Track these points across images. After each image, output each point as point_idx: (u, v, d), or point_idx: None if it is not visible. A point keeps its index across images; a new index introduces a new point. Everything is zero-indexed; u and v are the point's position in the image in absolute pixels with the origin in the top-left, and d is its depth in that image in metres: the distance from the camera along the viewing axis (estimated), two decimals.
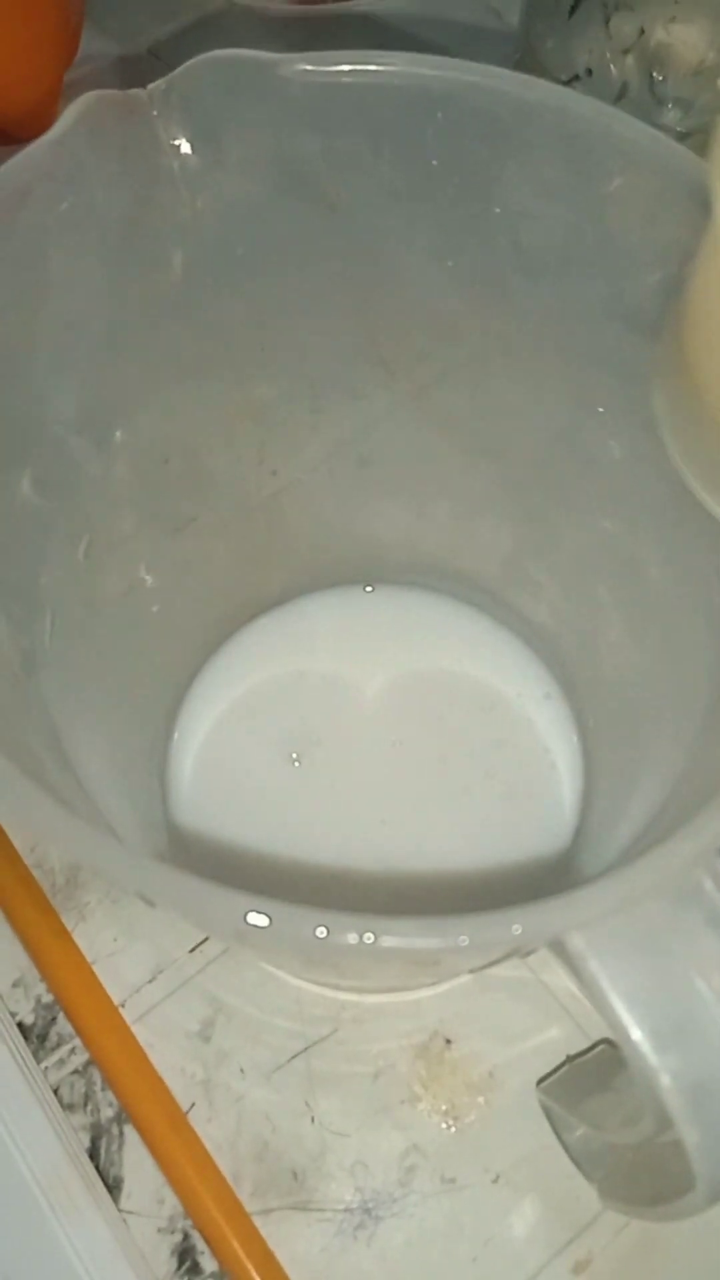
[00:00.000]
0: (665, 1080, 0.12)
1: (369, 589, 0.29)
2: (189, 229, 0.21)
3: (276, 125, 0.20)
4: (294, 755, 0.27)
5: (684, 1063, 0.12)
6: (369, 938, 0.12)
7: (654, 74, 0.31)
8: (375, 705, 0.28)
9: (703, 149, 0.18)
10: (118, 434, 0.23)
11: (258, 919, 0.12)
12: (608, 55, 0.31)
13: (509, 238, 0.21)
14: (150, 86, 0.19)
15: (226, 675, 0.28)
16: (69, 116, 0.19)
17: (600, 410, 0.22)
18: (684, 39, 0.30)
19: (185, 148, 0.20)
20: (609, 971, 0.12)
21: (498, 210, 0.21)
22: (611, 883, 0.12)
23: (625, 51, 0.31)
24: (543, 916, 0.12)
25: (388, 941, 0.12)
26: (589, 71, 0.32)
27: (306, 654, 0.28)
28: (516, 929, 0.12)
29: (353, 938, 0.12)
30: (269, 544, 0.28)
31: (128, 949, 0.26)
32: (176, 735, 0.27)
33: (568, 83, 0.32)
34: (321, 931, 0.12)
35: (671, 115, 0.32)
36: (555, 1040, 0.25)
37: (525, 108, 0.19)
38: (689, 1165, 0.13)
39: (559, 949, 0.13)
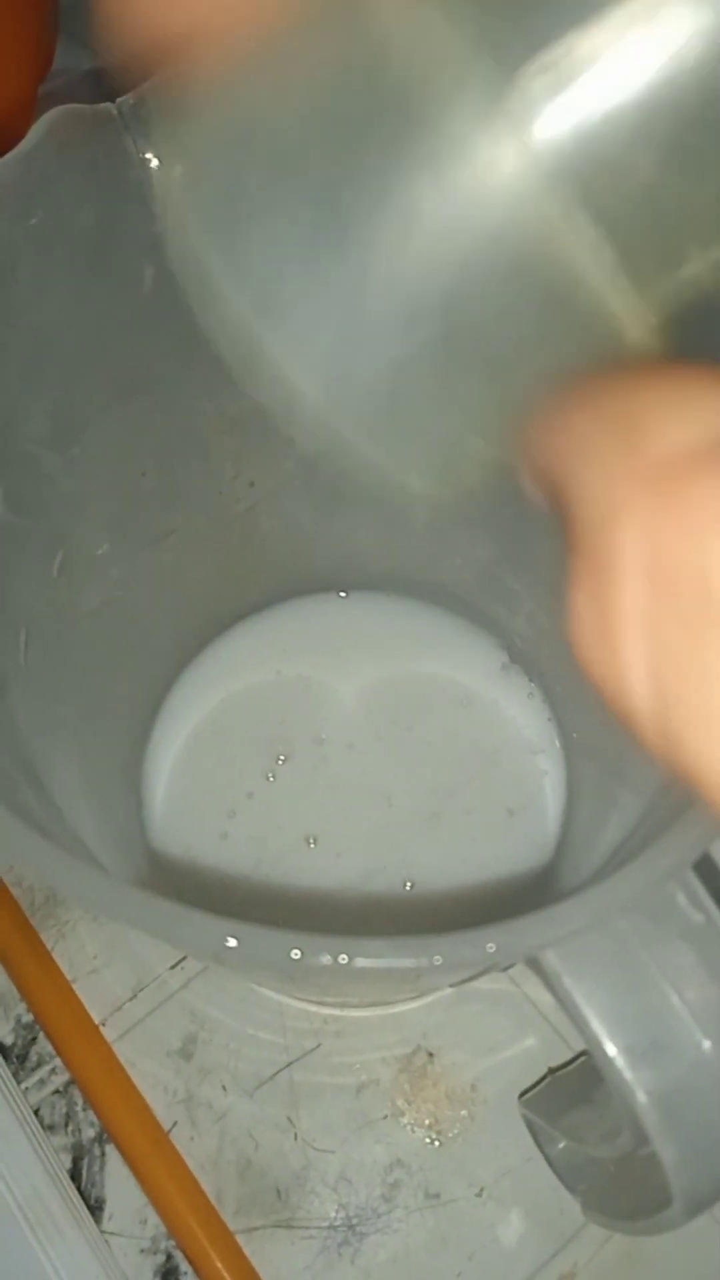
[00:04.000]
0: (641, 1096, 0.12)
1: (343, 594, 0.29)
2: (160, 243, 0.21)
3: None
4: (272, 763, 0.27)
5: (659, 1078, 0.12)
6: (343, 959, 0.11)
7: None
8: (355, 711, 0.28)
9: None
10: (91, 448, 0.22)
11: (231, 941, 0.12)
12: None
13: None
14: (119, 100, 0.19)
15: (202, 686, 0.28)
16: (37, 131, 0.19)
17: None
18: None
19: (155, 162, 0.20)
20: (583, 988, 0.12)
21: None
22: (584, 899, 0.12)
23: None
24: (516, 935, 0.12)
25: (361, 962, 0.11)
26: None
27: (283, 661, 0.28)
28: (490, 948, 0.12)
29: (326, 959, 0.12)
30: (246, 555, 0.28)
31: (108, 967, 0.26)
32: (152, 747, 0.27)
33: None
34: (295, 953, 0.12)
35: None
36: (537, 1052, 0.25)
37: None
38: (665, 1180, 0.13)
39: (534, 965, 0.13)
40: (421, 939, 0.12)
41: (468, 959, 0.12)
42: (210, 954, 0.12)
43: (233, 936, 0.12)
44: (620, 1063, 0.12)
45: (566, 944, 0.12)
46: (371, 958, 0.11)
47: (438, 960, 0.11)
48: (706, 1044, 0.13)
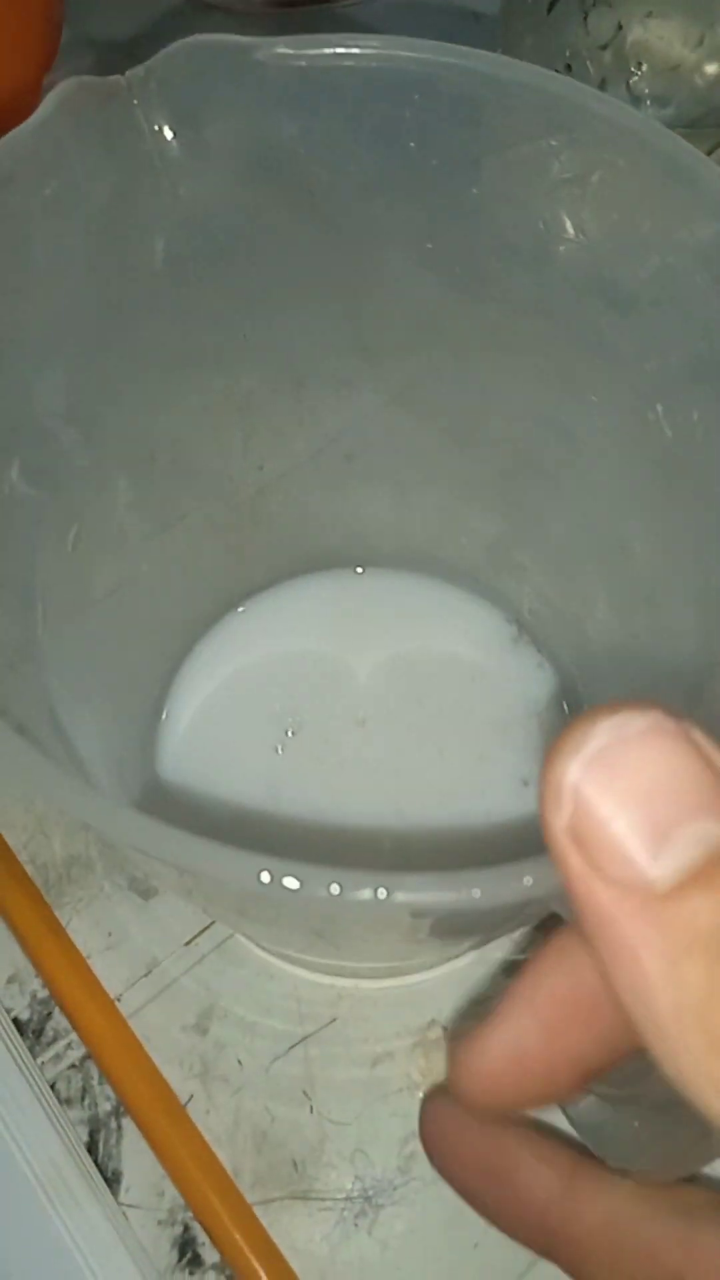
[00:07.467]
0: None
1: (359, 570, 0.29)
2: (171, 216, 0.21)
3: (255, 109, 0.20)
4: (282, 738, 0.27)
5: None
6: (382, 893, 0.12)
7: (631, 70, 0.31)
8: (364, 686, 0.28)
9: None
10: (105, 424, 0.23)
11: (288, 880, 0.12)
12: (585, 52, 0.31)
13: (488, 221, 0.21)
14: (129, 72, 0.19)
15: (215, 659, 0.28)
16: (50, 103, 0.19)
17: (584, 395, 0.23)
18: (661, 35, 0.31)
19: (167, 133, 0.20)
20: None
21: (475, 191, 0.21)
22: None
23: (603, 48, 0.31)
24: (552, 868, 0.12)
25: (400, 896, 0.12)
26: (568, 68, 0.32)
27: (296, 636, 0.28)
28: (527, 880, 0.12)
29: (366, 894, 0.12)
30: (255, 535, 0.28)
31: (123, 943, 0.26)
32: (165, 719, 0.27)
33: None
34: (335, 888, 0.12)
35: (648, 111, 0.33)
36: None
37: (502, 88, 0.19)
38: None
39: (566, 911, 0.13)
40: (459, 873, 0.12)
41: (504, 892, 0.12)
42: (243, 891, 0.12)
43: (272, 872, 0.12)
44: None
45: None
46: (410, 892, 0.12)
47: (476, 894, 0.12)
48: None
